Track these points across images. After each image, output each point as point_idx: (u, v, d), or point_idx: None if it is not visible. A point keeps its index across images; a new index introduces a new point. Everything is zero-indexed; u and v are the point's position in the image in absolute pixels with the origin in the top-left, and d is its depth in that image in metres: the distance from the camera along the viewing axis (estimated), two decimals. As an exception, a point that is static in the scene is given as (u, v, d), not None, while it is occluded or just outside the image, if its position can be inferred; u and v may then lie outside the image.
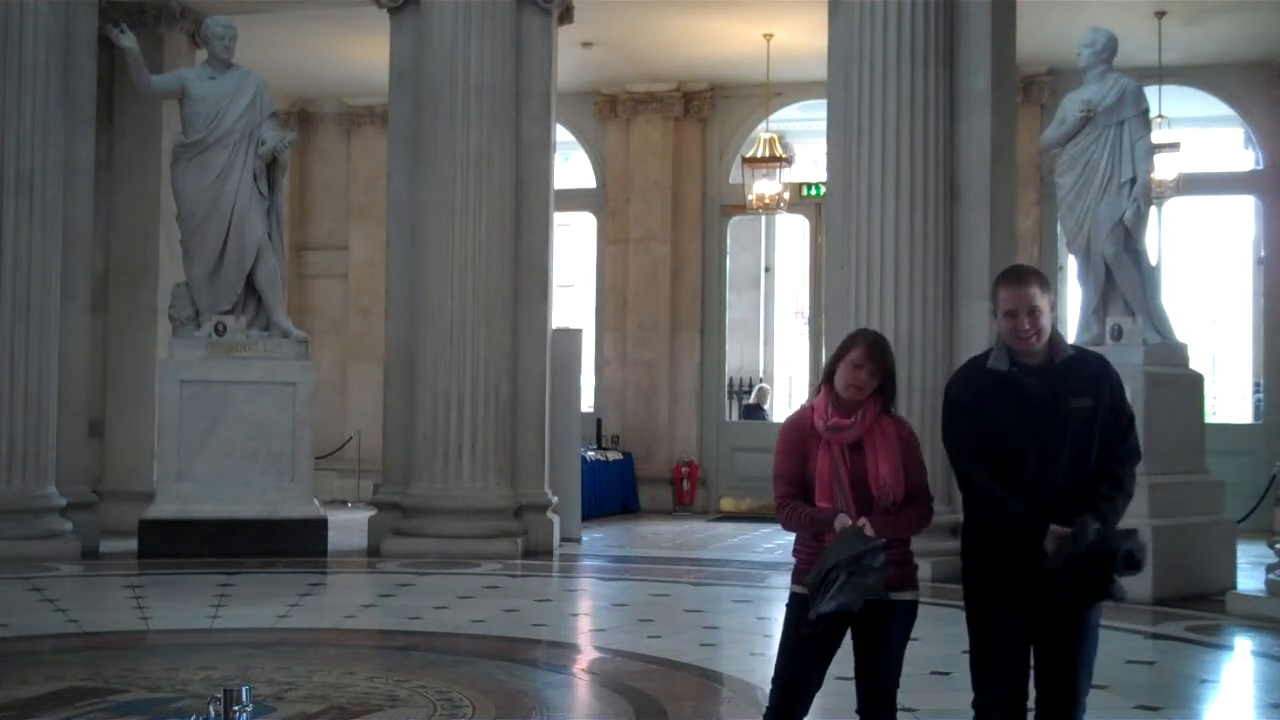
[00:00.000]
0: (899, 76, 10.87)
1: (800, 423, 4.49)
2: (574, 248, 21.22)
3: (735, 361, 18.93)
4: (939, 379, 10.34)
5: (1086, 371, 4.31)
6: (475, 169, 11.97)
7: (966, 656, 4.41)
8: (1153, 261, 10.89)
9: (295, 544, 11.57)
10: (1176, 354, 10.65)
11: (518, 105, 12.31)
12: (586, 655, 8.24)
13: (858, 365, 4.39)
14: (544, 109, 12.58)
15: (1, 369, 11.37)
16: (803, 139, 19.02)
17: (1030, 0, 12.04)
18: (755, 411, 18.55)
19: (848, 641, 4.45)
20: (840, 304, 11.14)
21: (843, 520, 4.27)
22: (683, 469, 17.04)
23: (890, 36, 10.88)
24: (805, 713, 4.46)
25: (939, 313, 10.88)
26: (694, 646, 7.97)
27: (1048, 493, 4.18)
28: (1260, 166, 15.86)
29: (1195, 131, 16.75)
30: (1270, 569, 9.24)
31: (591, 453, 15.88)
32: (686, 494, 16.98)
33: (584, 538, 13.46)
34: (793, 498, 4.43)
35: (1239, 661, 8.53)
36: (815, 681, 4.46)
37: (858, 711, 4.48)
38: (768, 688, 4.56)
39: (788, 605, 4.47)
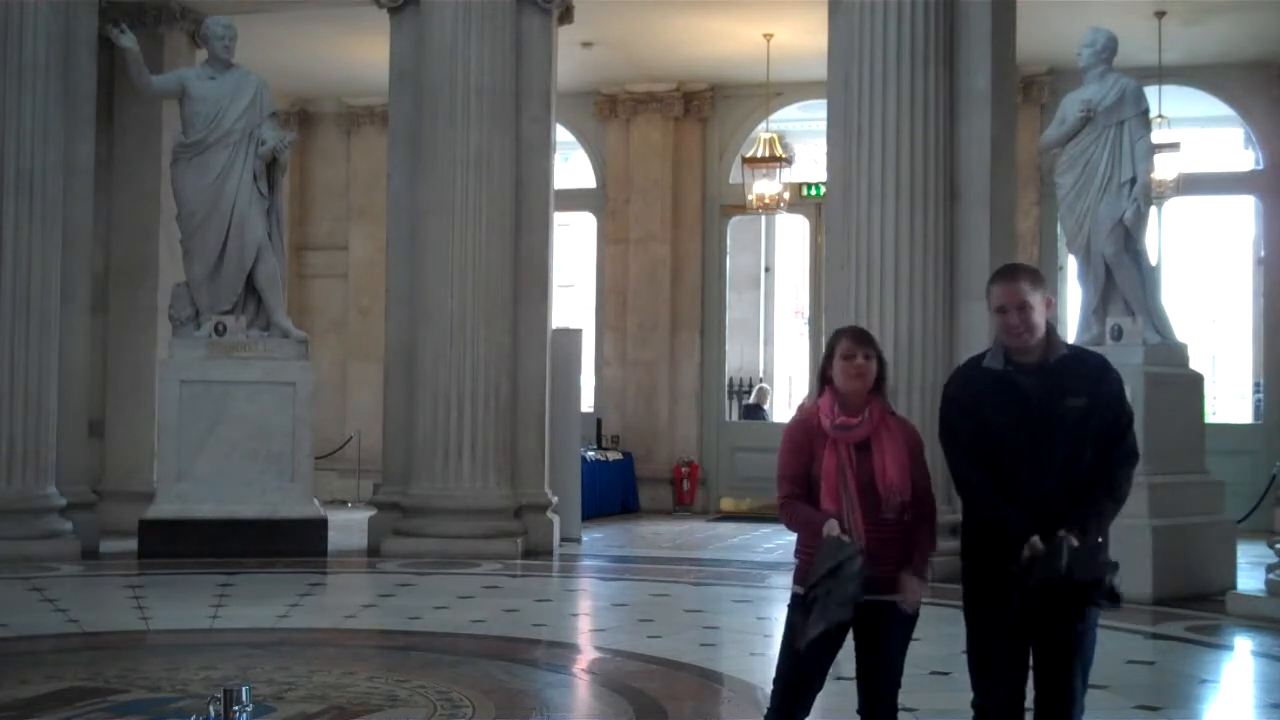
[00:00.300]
0: (899, 76, 10.87)
1: (806, 422, 4.47)
2: (574, 248, 21.21)
3: (735, 361, 18.93)
4: (939, 379, 10.33)
5: (1085, 371, 4.30)
6: (475, 169, 11.97)
7: (966, 656, 4.41)
8: (1153, 261, 10.89)
9: (295, 544, 11.57)
10: (1176, 354, 10.65)
11: (518, 105, 12.32)
12: (586, 655, 8.24)
13: (850, 356, 4.40)
14: (544, 109, 12.58)
15: (1, 369, 11.37)
16: (803, 139, 19.02)
17: (1030, 0, 12.04)
18: (755, 411, 18.55)
19: (849, 642, 4.45)
20: (840, 304, 11.14)
21: (830, 528, 4.26)
22: (683, 469, 17.04)
23: (890, 36, 10.89)
24: (807, 713, 4.46)
25: (939, 313, 10.88)
26: (694, 646, 7.97)
27: (1041, 493, 4.17)
28: (1260, 166, 15.86)
29: (1195, 131, 16.74)
30: (1270, 569, 9.24)
31: (591, 453, 15.88)
32: (686, 494, 16.98)
33: (584, 538, 13.46)
34: (795, 498, 4.42)
35: (1239, 661, 8.53)
36: (817, 682, 4.45)
37: (858, 712, 4.48)
38: (768, 688, 4.56)
39: (789, 606, 4.46)
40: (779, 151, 16.16)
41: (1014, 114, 12.16)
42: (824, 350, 4.56)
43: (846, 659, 4.47)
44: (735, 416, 18.41)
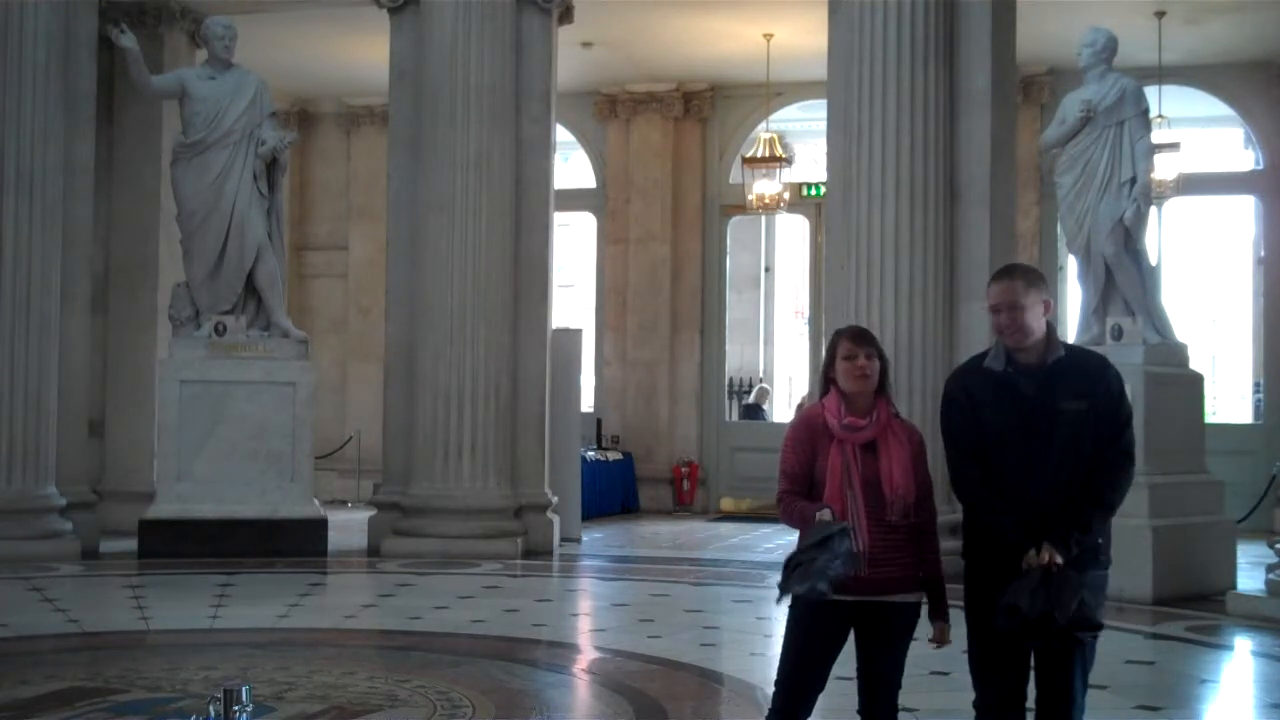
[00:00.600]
0: (899, 76, 10.87)
1: (812, 420, 4.46)
2: (574, 248, 21.21)
3: (735, 361, 18.93)
4: (939, 379, 10.33)
5: (1084, 373, 4.30)
6: (475, 169, 11.97)
7: (966, 656, 4.41)
8: (1153, 261, 10.89)
9: (295, 544, 11.57)
10: (1176, 354, 10.65)
11: (518, 105, 12.32)
12: (586, 655, 8.24)
13: (851, 356, 4.40)
14: (544, 109, 12.58)
15: (1, 369, 11.37)
16: (803, 139, 19.02)
17: (1030, 0, 12.04)
18: (755, 411, 18.55)
19: (849, 642, 4.45)
20: (840, 304, 11.14)
21: (822, 513, 4.26)
22: (683, 469, 17.04)
23: (890, 36, 10.89)
24: (809, 714, 4.46)
25: (939, 313, 10.88)
26: (694, 646, 7.97)
27: (1037, 495, 4.18)
28: (1260, 166, 15.86)
29: (1195, 131, 16.74)
30: (1270, 569, 9.24)
31: (591, 453, 15.88)
32: (686, 494, 16.98)
33: (584, 538, 13.46)
34: (795, 494, 4.41)
35: (1239, 661, 8.53)
36: (819, 683, 4.45)
37: (859, 712, 4.48)
38: (768, 688, 4.56)
39: (790, 607, 4.47)
40: (779, 151, 16.16)
41: (1014, 114, 12.17)
42: (825, 353, 4.55)
43: (847, 659, 4.47)
44: (735, 416, 18.41)
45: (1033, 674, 4.31)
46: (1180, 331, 10.85)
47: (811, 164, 18.86)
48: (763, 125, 16.44)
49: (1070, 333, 10.68)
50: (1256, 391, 16.70)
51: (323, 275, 18.55)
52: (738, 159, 16.81)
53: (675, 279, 17.27)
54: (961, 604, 4.38)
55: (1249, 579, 10.26)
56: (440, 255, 11.97)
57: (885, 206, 10.85)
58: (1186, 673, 7.87)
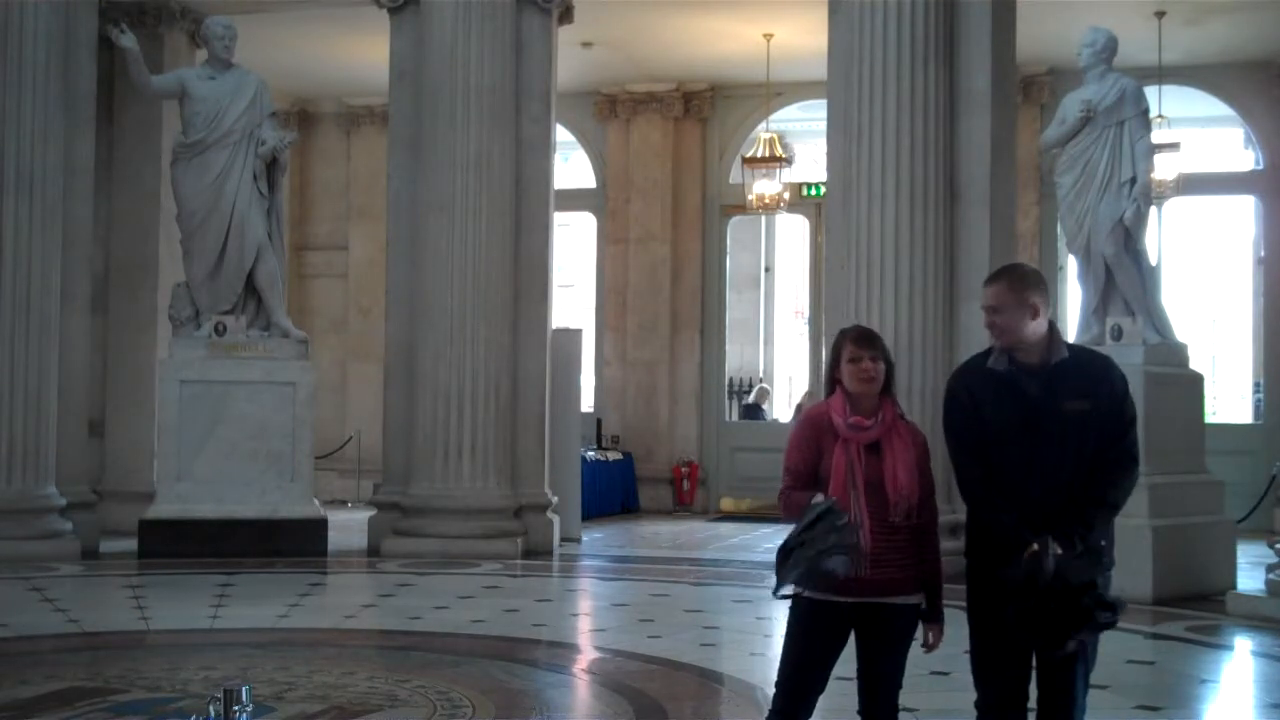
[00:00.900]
0: (899, 76, 10.87)
1: (818, 418, 4.45)
2: (574, 248, 21.21)
3: (735, 361, 18.93)
4: (939, 379, 10.34)
5: (1087, 373, 4.30)
6: (475, 169, 11.97)
7: (966, 656, 4.42)
8: (1153, 261, 10.89)
9: (295, 544, 11.57)
10: (1176, 354, 10.65)
11: (518, 105, 12.32)
12: (586, 655, 8.24)
13: (856, 359, 4.39)
14: (544, 109, 12.58)
15: (1, 369, 11.36)
16: (803, 139, 19.01)
17: (1030, 0, 12.04)
18: (754, 411, 18.55)
19: (850, 644, 4.45)
20: (840, 304, 11.14)
21: (817, 499, 4.26)
22: (683, 469, 17.04)
23: (890, 36, 10.89)
24: (809, 716, 4.45)
25: (939, 313, 10.88)
26: (694, 646, 7.98)
27: (1038, 494, 4.17)
28: (1260, 166, 15.86)
29: (1195, 131, 16.74)
30: (1270, 569, 9.24)
31: (591, 453, 15.88)
32: (686, 494, 16.98)
33: (584, 538, 13.46)
34: (796, 490, 4.40)
35: (1239, 661, 8.53)
36: (819, 684, 4.45)
37: (859, 713, 4.48)
38: (768, 688, 4.56)
39: (790, 608, 4.47)
40: (779, 151, 16.16)
41: (1014, 114, 12.17)
42: (830, 354, 4.54)
43: (847, 660, 4.47)
44: (735, 416, 18.41)
45: (1034, 674, 4.31)
46: (1180, 331, 10.85)
47: (811, 164, 18.86)
48: (763, 125, 16.45)
49: (1070, 333, 10.67)
50: (1256, 391, 16.70)
51: (323, 275, 18.55)
52: (738, 159, 16.81)
53: (675, 279, 17.27)
54: (961, 604, 4.38)
55: (1249, 579, 10.26)
56: (440, 255, 11.97)
57: (885, 206, 10.84)
58: (1186, 673, 7.88)
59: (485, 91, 12.03)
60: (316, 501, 12.18)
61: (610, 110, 17.50)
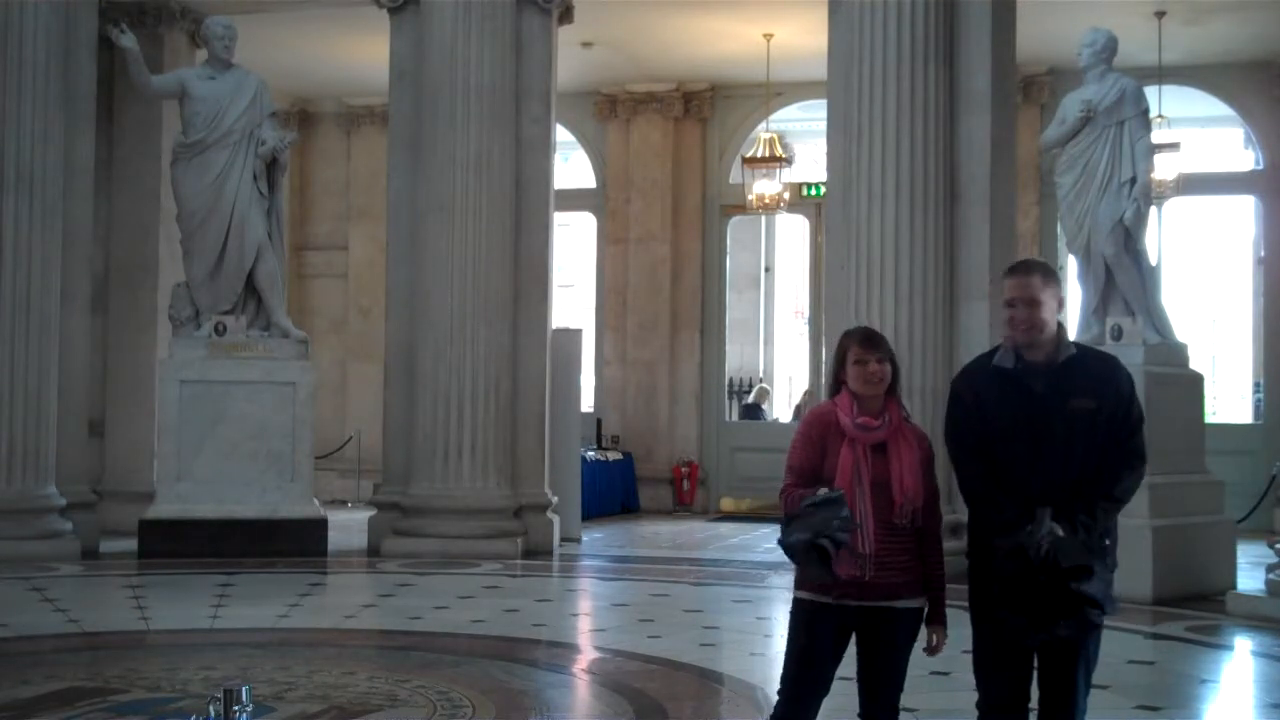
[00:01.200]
0: (899, 76, 10.87)
1: (825, 417, 4.44)
2: (574, 248, 21.21)
3: (735, 361, 18.93)
4: (939, 380, 10.35)
5: (1094, 372, 4.30)
6: (475, 169, 11.97)
7: (966, 657, 4.42)
8: (1153, 261, 10.88)
9: (295, 544, 11.57)
10: (1176, 354, 10.65)
11: (518, 105, 12.32)
12: (586, 655, 8.24)
13: (862, 361, 4.39)
14: (544, 109, 12.58)
15: (1, 369, 11.36)
16: (803, 139, 19.01)
17: (1030, 0, 12.04)
18: (755, 411, 18.54)
19: (850, 645, 4.45)
20: (840, 304, 11.14)
21: (822, 489, 4.25)
22: (683, 469, 17.04)
23: (890, 36, 10.88)
24: (813, 718, 4.45)
25: (939, 313, 10.87)
26: (694, 646, 7.97)
27: (1039, 491, 4.17)
28: (1260, 166, 15.86)
29: (1195, 131, 16.74)
30: (1270, 569, 9.24)
31: (591, 453, 15.88)
32: (686, 494, 16.97)
33: (584, 538, 13.46)
34: (798, 488, 4.39)
35: (1239, 661, 8.53)
36: (822, 687, 4.44)
37: (860, 714, 4.47)
38: (768, 688, 4.57)
39: (791, 612, 4.46)
40: (779, 151, 16.16)
41: (1014, 114, 12.16)
42: (834, 355, 4.53)
43: (848, 660, 4.46)
44: (735, 416, 18.41)
45: (1035, 674, 4.31)
46: (1180, 331, 10.84)
47: (811, 164, 18.85)
48: (763, 125, 16.44)
49: (1070, 333, 10.66)
50: (1256, 391, 16.70)
51: (323, 275, 18.54)
52: (738, 159, 16.81)
53: (675, 279, 17.26)
54: (963, 605, 4.38)
55: (1249, 579, 10.26)
56: (440, 255, 11.97)
57: (885, 206, 10.84)
58: (1186, 673, 7.88)
59: (485, 91, 12.03)
60: (316, 501, 12.18)
61: (610, 110, 17.50)
